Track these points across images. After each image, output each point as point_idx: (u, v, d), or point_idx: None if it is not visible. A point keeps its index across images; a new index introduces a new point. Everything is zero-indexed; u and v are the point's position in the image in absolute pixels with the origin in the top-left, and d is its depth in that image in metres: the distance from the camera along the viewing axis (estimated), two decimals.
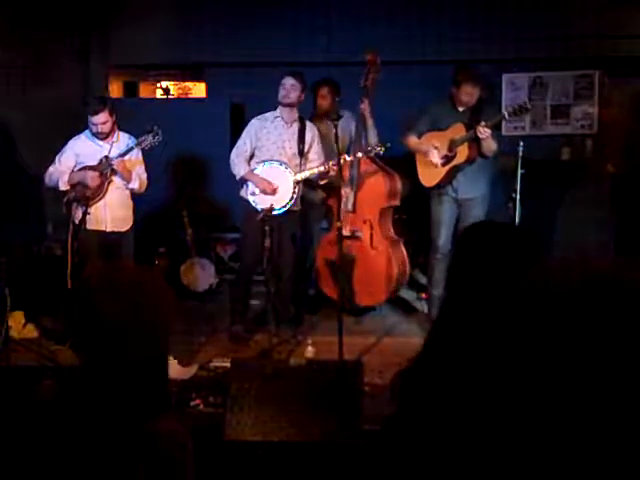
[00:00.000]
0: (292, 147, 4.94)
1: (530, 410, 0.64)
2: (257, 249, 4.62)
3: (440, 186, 5.06)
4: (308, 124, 5.00)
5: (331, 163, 4.82)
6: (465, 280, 1.59)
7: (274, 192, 4.84)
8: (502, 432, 0.64)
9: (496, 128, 4.94)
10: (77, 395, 1.51)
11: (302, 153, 4.94)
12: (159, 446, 1.44)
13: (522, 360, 0.64)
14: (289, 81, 4.85)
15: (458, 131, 4.92)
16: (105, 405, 1.47)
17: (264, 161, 4.91)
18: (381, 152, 4.95)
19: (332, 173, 4.85)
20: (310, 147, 4.99)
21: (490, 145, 4.85)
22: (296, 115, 4.97)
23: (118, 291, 1.52)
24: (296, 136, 4.93)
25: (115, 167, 4.69)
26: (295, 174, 4.89)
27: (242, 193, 5.00)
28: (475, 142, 4.85)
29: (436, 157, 4.97)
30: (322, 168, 4.90)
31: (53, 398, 1.54)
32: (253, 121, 5.00)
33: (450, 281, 1.70)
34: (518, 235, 1.71)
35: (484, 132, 4.72)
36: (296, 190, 4.89)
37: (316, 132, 5.03)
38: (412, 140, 5.13)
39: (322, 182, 5.05)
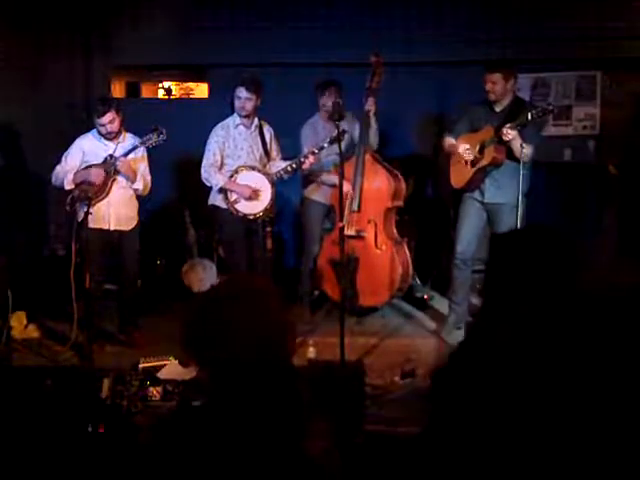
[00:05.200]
0: (259, 149, 5.04)
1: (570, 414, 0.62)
2: (246, 251, 4.98)
3: (469, 189, 4.98)
4: (263, 122, 5.07)
5: (308, 154, 4.92)
6: (501, 286, 1.56)
7: (257, 196, 4.91)
8: (534, 435, 0.62)
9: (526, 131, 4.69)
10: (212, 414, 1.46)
11: (267, 153, 5.04)
12: (318, 467, 1.40)
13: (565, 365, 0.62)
14: (243, 94, 4.87)
15: (488, 133, 4.81)
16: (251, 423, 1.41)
17: (238, 169, 4.96)
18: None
19: (306, 165, 4.97)
20: (271, 145, 5.09)
21: (517, 148, 4.62)
22: (254, 118, 5.02)
23: (246, 299, 1.51)
24: (258, 138, 5.02)
25: (119, 168, 4.70)
26: (269, 174, 4.96)
27: (217, 202, 5.03)
28: (503, 145, 4.71)
29: (465, 150, 4.85)
30: (294, 164, 4.97)
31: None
32: (218, 131, 5.00)
33: (487, 287, 1.66)
34: (554, 241, 1.66)
35: (507, 134, 4.59)
36: (274, 190, 4.97)
37: (271, 129, 5.12)
38: (447, 142, 5.06)
39: (287, 175, 5.03)
